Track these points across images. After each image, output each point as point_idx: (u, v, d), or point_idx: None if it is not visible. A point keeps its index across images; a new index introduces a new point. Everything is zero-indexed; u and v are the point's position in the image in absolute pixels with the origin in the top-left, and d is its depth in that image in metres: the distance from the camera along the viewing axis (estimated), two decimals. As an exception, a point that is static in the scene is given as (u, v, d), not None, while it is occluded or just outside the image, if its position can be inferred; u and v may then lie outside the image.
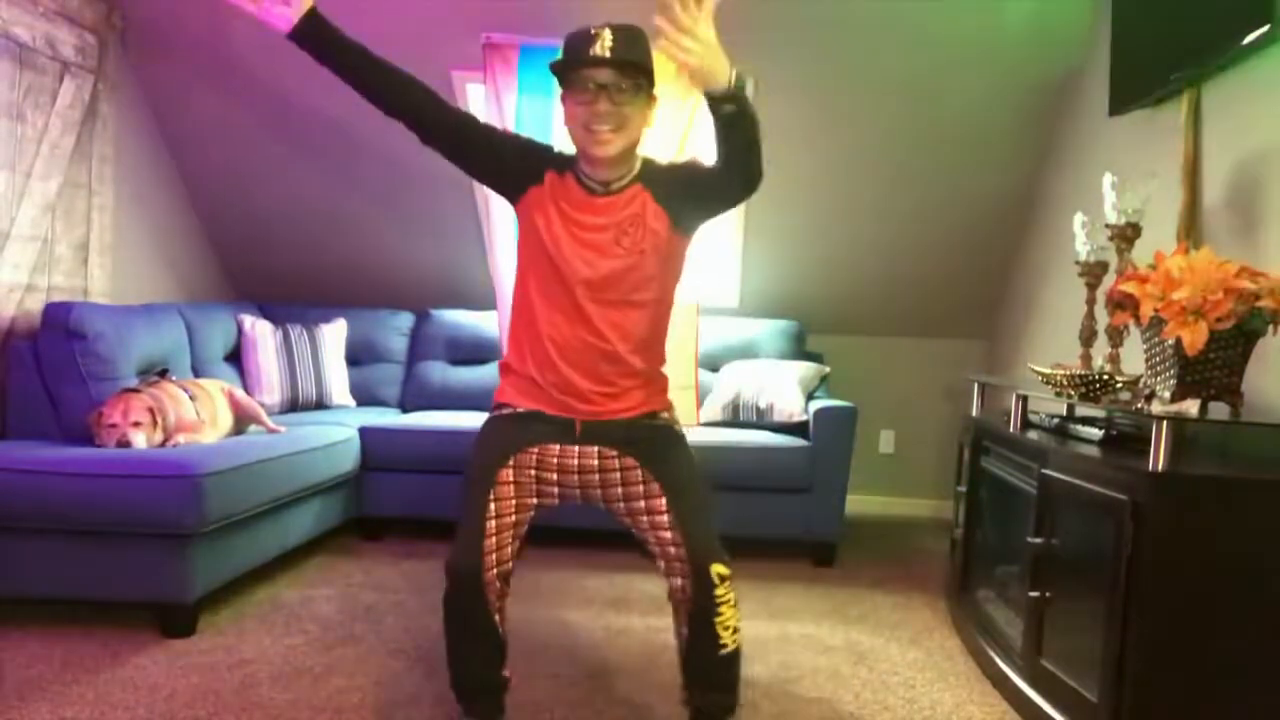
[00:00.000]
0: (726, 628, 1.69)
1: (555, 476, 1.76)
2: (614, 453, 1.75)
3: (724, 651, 1.70)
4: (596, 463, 1.75)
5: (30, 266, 3.07)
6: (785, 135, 3.55)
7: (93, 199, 3.34)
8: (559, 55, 1.69)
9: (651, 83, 1.71)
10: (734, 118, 1.53)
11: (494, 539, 1.67)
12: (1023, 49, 3.23)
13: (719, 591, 1.67)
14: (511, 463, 1.72)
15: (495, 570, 1.66)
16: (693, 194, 1.74)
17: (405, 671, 2.19)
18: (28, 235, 3.05)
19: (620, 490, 1.75)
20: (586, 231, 1.73)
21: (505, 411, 1.80)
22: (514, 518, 1.71)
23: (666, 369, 1.89)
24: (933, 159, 3.57)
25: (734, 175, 1.63)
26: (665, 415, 1.84)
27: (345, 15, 3.50)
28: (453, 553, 1.67)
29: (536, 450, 1.74)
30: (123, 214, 3.56)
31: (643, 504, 1.73)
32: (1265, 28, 2.01)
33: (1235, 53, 2.17)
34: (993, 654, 2.25)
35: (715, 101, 1.52)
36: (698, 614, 1.69)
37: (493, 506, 1.69)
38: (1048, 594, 1.99)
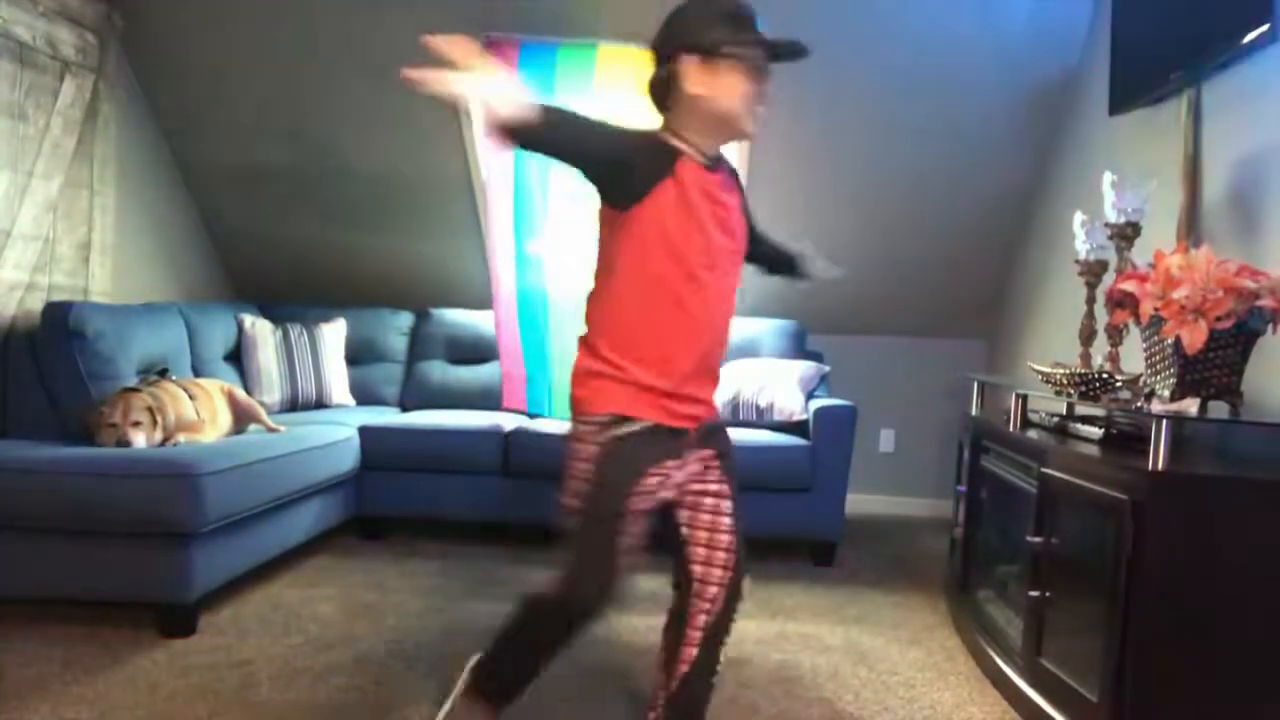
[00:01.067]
0: (725, 652, 1.70)
1: (664, 489, 1.62)
2: (710, 452, 1.68)
3: (715, 680, 1.71)
4: (696, 466, 1.67)
5: (31, 265, 3.07)
6: (785, 135, 3.56)
7: (94, 198, 3.35)
8: (729, 26, 1.56)
9: None
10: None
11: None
12: (1023, 49, 3.23)
13: (734, 609, 1.69)
14: (641, 483, 1.55)
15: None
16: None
17: (405, 671, 2.19)
18: (29, 234, 3.05)
19: (700, 485, 1.68)
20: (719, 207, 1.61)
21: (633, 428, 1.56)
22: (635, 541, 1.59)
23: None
24: (933, 159, 3.57)
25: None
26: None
27: (346, 15, 3.50)
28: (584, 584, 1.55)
29: (656, 470, 1.58)
30: (124, 213, 3.56)
31: (711, 501, 1.67)
32: (1265, 28, 2.01)
33: (1235, 53, 2.17)
34: (993, 654, 2.25)
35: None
36: (715, 628, 1.66)
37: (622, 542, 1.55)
38: (1048, 594, 1.99)
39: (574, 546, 1.56)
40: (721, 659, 1.70)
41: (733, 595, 1.66)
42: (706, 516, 1.67)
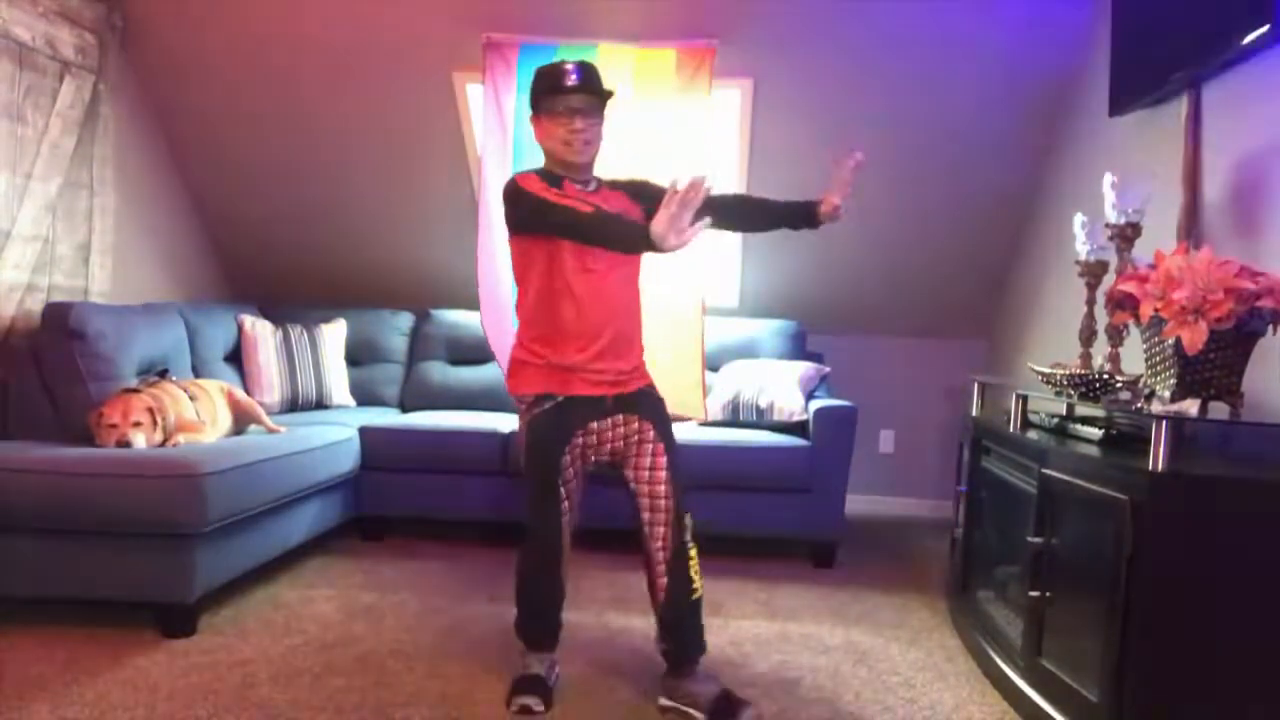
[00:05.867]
0: (695, 572, 2.05)
1: (596, 445, 2.09)
2: (635, 417, 2.08)
3: (695, 596, 2.05)
4: (623, 429, 2.08)
5: (31, 266, 3.07)
6: (785, 135, 3.56)
7: (93, 199, 3.35)
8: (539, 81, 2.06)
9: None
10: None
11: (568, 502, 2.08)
12: (1023, 49, 3.23)
13: (687, 538, 2.04)
14: (568, 448, 2.04)
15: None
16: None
17: (405, 671, 2.19)
18: (28, 235, 3.05)
19: (635, 447, 2.08)
20: None
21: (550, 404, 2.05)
22: (575, 483, 2.10)
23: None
24: (933, 159, 3.57)
25: (737, 224, 2.28)
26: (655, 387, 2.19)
27: (347, 16, 3.51)
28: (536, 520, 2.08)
29: (580, 432, 2.05)
30: (123, 214, 3.56)
31: (648, 459, 2.06)
32: (1265, 28, 2.01)
33: (1235, 53, 2.17)
34: (993, 654, 2.25)
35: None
36: (675, 557, 2.03)
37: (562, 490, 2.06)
38: (1048, 594, 1.99)
39: (527, 500, 2.09)
40: (694, 578, 2.04)
41: (678, 530, 2.04)
42: (645, 473, 2.06)
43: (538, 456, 2.05)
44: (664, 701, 2.03)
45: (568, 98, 2.01)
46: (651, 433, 2.07)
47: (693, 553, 2.05)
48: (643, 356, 2.16)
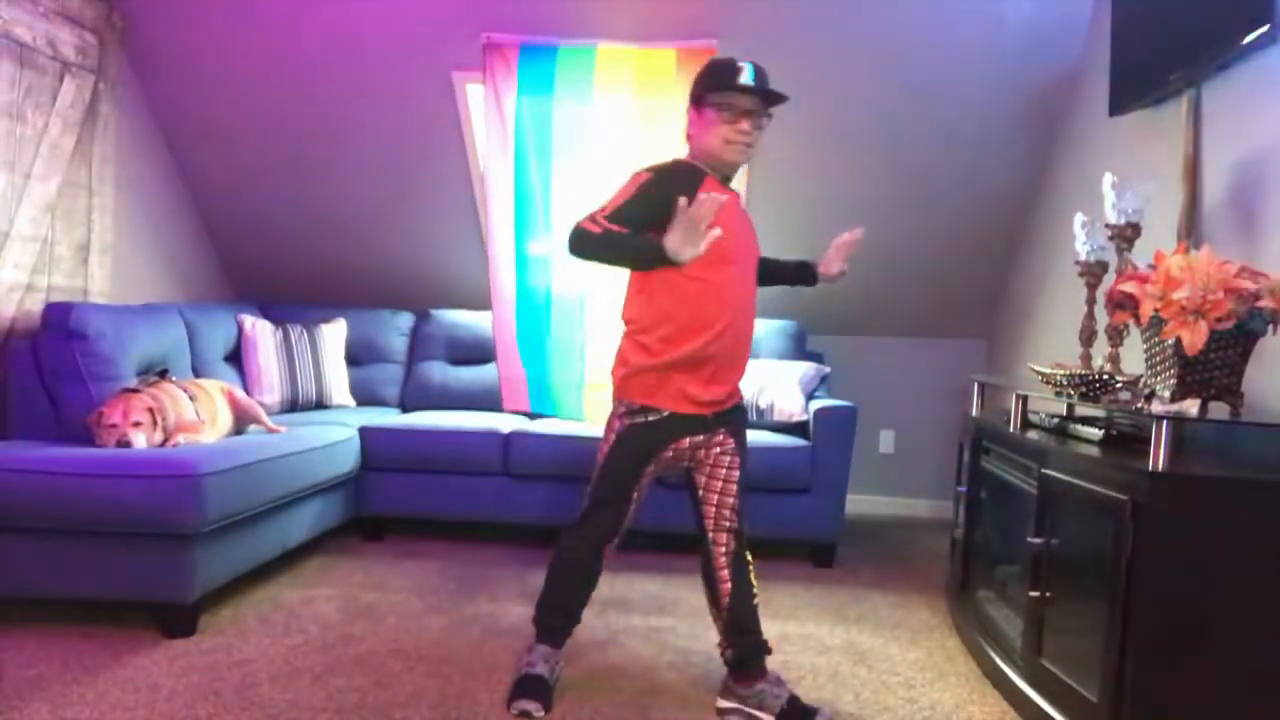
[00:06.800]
0: (754, 577, 2.10)
1: (674, 457, 2.09)
2: (723, 431, 2.08)
3: (755, 600, 2.08)
4: (710, 439, 2.08)
5: (30, 266, 3.07)
6: (785, 135, 3.56)
7: (93, 199, 3.35)
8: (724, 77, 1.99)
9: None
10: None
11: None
12: (1023, 49, 3.23)
13: (747, 549, 2.10)
14: (653, 465, 2.05)
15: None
16: None
17: (405, 671, 2.19)
18: (28, 235, 3.05)
19: (712, 457, 2.09)
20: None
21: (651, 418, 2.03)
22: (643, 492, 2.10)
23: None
24: (933, 159, 3.57)
25: None
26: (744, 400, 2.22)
27: (347, 16, 3.51)
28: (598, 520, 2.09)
29: (672, 446, 2.05)
30: (123, 214, 3.56)
31: (723, 471, 2.08)
32: (1265, 28, 2.01)
33: (1235, 53, 2.17)
34: (993, 654, 2.25)
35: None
36: (738, 562, 2.06)
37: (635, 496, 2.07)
38: (1048, 594, 1.99)
39: (592, 493, 2.09)
40: (754, 581, 2.08)
41: (740, 538, 2.08)
42: (718, 483, 2.07)
43: (624, 462, 2.04)
44: (723, 704, 2.04)
45: (743, 98, 1.96)
46: (733, 444, 2.08)
47: (749, 557, 2.09)
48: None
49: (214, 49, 3.52)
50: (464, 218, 3.93)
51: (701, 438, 2.04)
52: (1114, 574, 1.69)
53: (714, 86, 1.97)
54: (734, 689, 2.04)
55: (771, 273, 2.28)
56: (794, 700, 1.99)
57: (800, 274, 2.30)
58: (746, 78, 1.94)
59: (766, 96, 1.97)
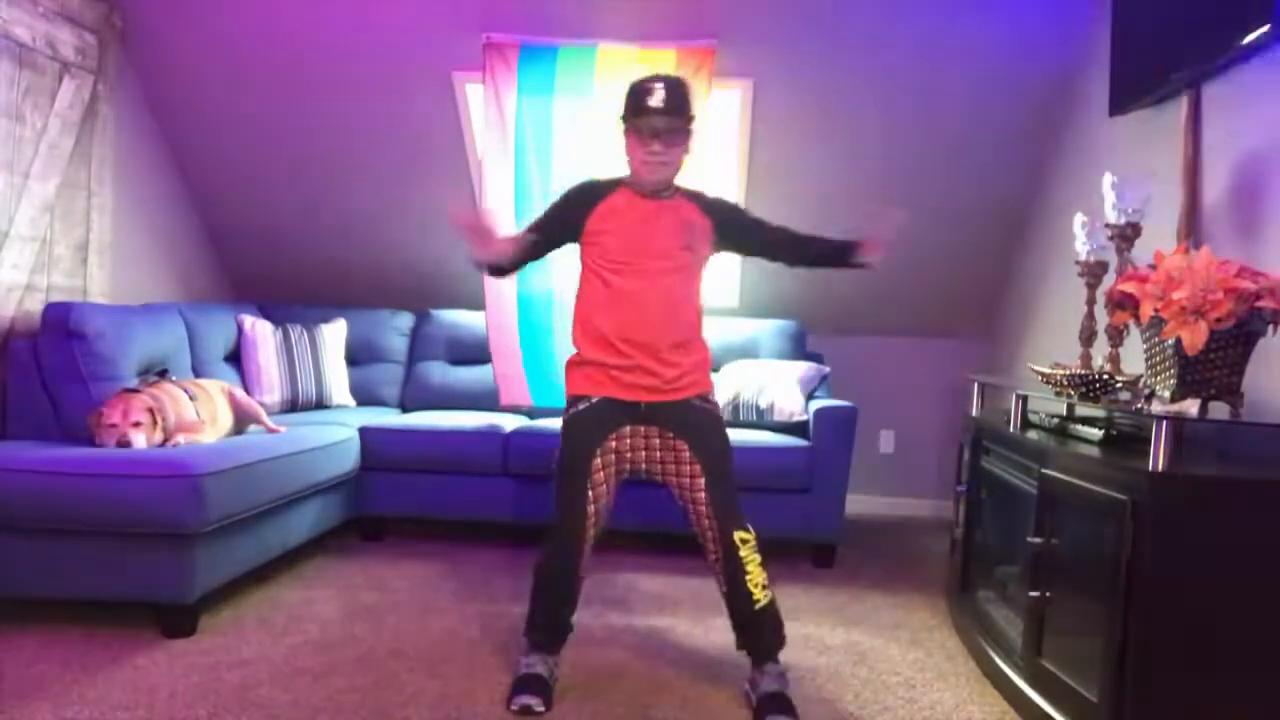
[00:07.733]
0: (755, 584, 2.04)
1: (629, 454, 2.13)
2: (671, 434, 2.10)
3: (758, 606, 2.05)
4: (658, 441, 2.11)
5: (29, 267, 3.07)
6: (786, 134, 3.56)
7: (92, 199, 3.34)
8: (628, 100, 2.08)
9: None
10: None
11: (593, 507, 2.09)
12: (1022, 49, 3.23)
13: (743, 554, 2.04)
14: (600, 449, 2.08)
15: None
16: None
17: (405, 671, 2.19)
18: (27, 235, 3.05)
19: (673, 466, 2.11)
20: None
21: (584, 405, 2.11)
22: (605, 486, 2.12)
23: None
24: (932, 159, 3.57)
25: (788, 257, 2.36)
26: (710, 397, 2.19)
27: (347, 16, 3.51)
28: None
29: (614, 435, 2.09)
30: (122, 214, 3.56)
31: (688, 480, 2.09)
32: (1265, 28, 2.01)
33: (1235, 53, 2.17)
34: (993, 654, 2.25)
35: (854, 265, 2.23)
36: (729, 574, 2.05)
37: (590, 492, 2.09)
38: (1048, 594, 1.99)
39: (554, 496, 2.12)
40: (753, 589, 2.04)
41: (727, 549, 2.05)
42: (688, 493, 2.10)
43: (572, 453, 2.10)
44: (745, 686, 2.11)
45: (650, 119, 2.02)
46: (687, 451, 2.08)
47: (750, 569, 2.05)
48: (699, 364, 2.15)
49: (214, 49, 3.51)
50: (464, 218, 3.93)
51: (642, 430, 2.09)
52: (1114, 574, 1.69)
53: (629, 110, 2.06)
54: (750, 675, 2.11)
55: (814, 255, 2.30)
56: (774, 696, 1.99)
57: (843, 254, 2.27)
58: (656, 100, 2.01)
59: (675, 114, 2.02)
